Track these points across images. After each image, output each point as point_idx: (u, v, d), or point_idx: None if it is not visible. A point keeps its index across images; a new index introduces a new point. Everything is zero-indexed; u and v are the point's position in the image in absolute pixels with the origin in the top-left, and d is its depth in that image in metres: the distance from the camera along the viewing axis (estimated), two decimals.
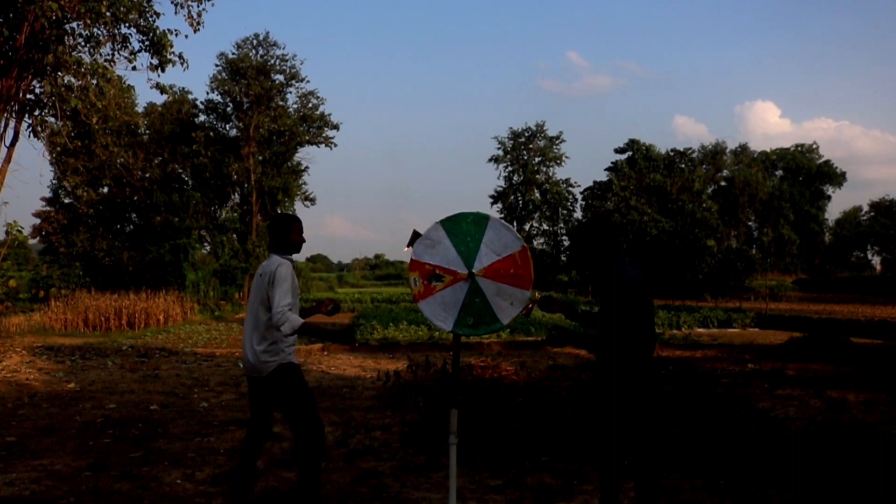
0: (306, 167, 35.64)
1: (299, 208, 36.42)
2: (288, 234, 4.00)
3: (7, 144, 11.92)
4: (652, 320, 3.54)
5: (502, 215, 48.00)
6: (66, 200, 31.65)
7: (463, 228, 3.67)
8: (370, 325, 16.40)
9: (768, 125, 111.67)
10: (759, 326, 20.69)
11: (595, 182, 50.29)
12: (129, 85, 16.09)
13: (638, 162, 49.75)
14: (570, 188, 50.09)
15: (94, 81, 11.56)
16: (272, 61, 32.88)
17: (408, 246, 4.23)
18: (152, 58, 11.95)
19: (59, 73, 11.41)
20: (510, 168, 50.37)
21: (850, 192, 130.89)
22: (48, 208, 32.29)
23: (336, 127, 34.71)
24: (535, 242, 49.06)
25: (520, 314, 3.65)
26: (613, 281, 3.43)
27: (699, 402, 7.02)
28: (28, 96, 11.91)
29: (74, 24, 11.31)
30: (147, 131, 32.70)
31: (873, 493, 4.34)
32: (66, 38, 11.17)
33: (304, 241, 4.08)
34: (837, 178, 61.89)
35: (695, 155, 52.24)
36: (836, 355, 11.19)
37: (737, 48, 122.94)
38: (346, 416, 6.99)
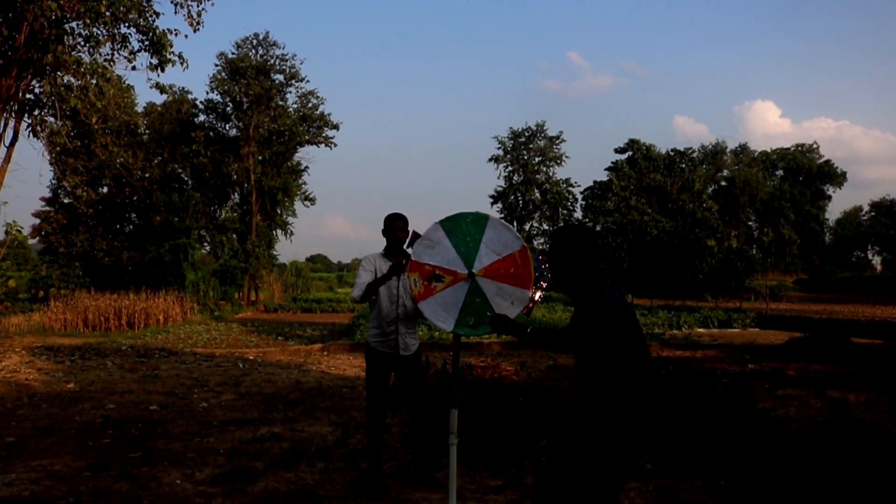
0: (306, 167, 35.65)
1: (299, 208, 36.42)
2: (386, 232, 4.58)
3: (6, 144, 11.91)
4: (635, 352, 2.92)
5: (502, 215, 47.95)
6: (66, 200, 31.63)
7: (462, 228, 3.66)
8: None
9: (768, 125, 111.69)
10: (759, 326, 20.67)
11: (595, 182, 50.23)
12: (128, 85, 16.09)
13: (638, 162, 49.68)
14: (571, 188, 50.07)
15: (94, 81, 11.55)
16: (272, 61, 32.85)
17: (407, 246, 4.23)
18: (152, 57, 11.93)
19: (59, 73, 11.40)
20: (510, 168, 50.35)
21: (851, 192, 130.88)
22: (48, 208, 32.27)
23: (336, 127, 34.69)
24: (535, 242, 49.02)
25: (520, 314, 3.64)
26: (587, 302, 2.95)
27: (699, 402, 7.02)
28: (27, 96, 11.90)
29: (74, 24, 11.30)
30: (147, 131, 32.67)
31: (874, 493, 4.33)
32: (65, 37, 11.15)
33: (398, 237, 4.56)
34: (838, 178, 61.87)
35: (695, 155, 52.20)
36: (836, 355, 11.17)
37: (737, 48, 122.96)
38: (346, 416, 6.98)
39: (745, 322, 20.83)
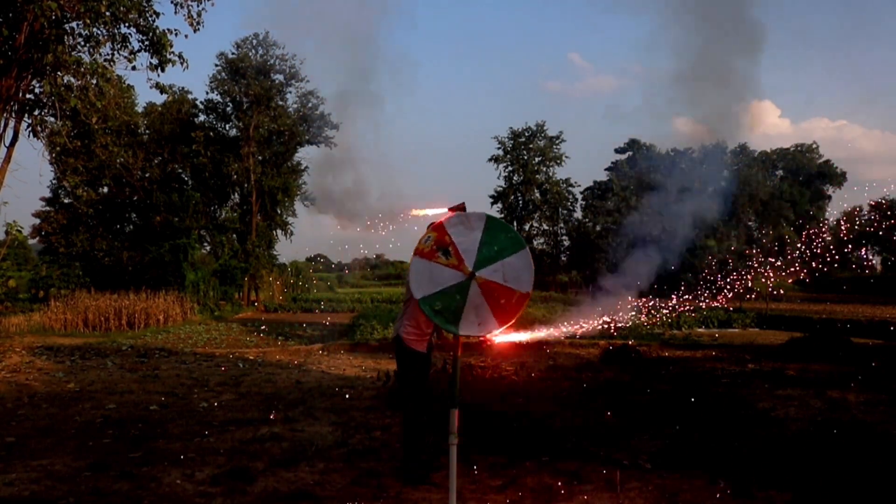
0: (306, 167, 35.65)
1: (299, 208, 36.39)
2: None
3: (6, 144, 11.88)
4: None
5: (502, 215, 47.97)
6: (66, 200, 31.64)
7: (499, 237, 3.67)
8: (370, 325, 16.40)
9: (768, 125, 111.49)
10: (759, 326, 20.70)
11: (595, 182, 50.33)
12: (128, 85, 16.05)
13: (638, 162, 49.79)
14: (570, 188, 50.11)
15: (94, 81, 11.53)
16: (272, 61, 32.86)
17: (450, 209, 4.20)
18: (152, 57, 11.91)
19: (59, 73, 11.38)
20: (510, 168, 50.35)
21: (851, 192, 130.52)
22: (48, 208, 32.27)
23: (336, 127, 34.71)
24: (535, 242, 49.02)
25: (475, 336, 3.66)
26: None
27: (699, 402, 7.02)
28: (27, 96, 11.88)
29: (74, 24, 11.29)
30: (147, 131, 32.66)
31: (873, 493, 4.33)
32: (65, 37, 11.13)
33: None
34: (837, 178, 61.87)
35: (695, 155, 52.26)
36: (836, 355, 11.18)
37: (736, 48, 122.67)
38: (346, 416, 6.98)
39: (745, 322, 20.85)
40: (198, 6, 12.02)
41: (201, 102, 33.61)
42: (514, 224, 46.85)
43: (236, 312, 26.22)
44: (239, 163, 32.32)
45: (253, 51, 32.74)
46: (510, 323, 3.65)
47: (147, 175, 32.13)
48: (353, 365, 11.12)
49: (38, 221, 32.19)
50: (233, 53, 32.63)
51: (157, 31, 11.64)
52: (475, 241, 3.66)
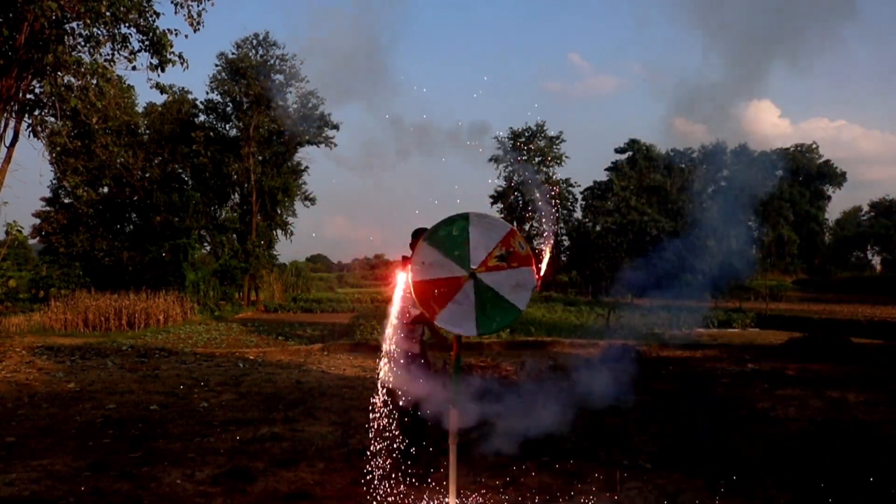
0: (306, 167, 35.63)
1: (299, 208, 36.39)
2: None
3: (7, 144, 11.90)
4: None
5: (502, 215, 47.98)
6: (66, 200, 31.61)
7: (496, 315, 3.72)
8: (370, 325, 16.39)
9: (767, 125, 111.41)
10: (759, 326, 20.69)
11: (595, 182, 50.35)
12: (129, 85, 16.09)
13: (638, 162, 49.81)
14: (570, 188, 50.11)
15: (94, 81, 11.54)
16: (272, 61, 32.85)
17: (539, 276, 4.29)
18: (152, 57, 11.93)
19: (59, 73, 11.39)
20: (510, 168, 50.32)
21: (851, 192, 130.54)
22: (48, 208, 32.25)
23: (336, 127, 34.69)
24: (535, 242, 49.04)
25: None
26: None
27: (699, 402, 7.03)
28: (28, 96, 11.89)
29: (74, 24, 11.30)
30: (147, 131, 32.64)
31: (873, 493, 4.33)
32: (65, 37, 11.15)
33: None
34: (837, 178, 61.92)
35: (695, 155, 52.29)
36: (836, 355, 11.19)
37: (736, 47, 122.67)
38: (346, 416, 6.98)
39: (745, 322, 20.83)
40: (198, 6, 12.05)
41: (201, 102, 33.58)
42: (514, 223, 46.88)
43: (236, 312, 26.21)
44: (239, 163, 32.30)
45: (253, 51, 32.73)
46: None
47: (147, 175, 32.11)
48: (353, 365, 11.12)
49: (38, 221, 32.17)
50: (233, 53, 32.62)
51: (157, 32, 11.66)
52: (501, 286, 3.75)
